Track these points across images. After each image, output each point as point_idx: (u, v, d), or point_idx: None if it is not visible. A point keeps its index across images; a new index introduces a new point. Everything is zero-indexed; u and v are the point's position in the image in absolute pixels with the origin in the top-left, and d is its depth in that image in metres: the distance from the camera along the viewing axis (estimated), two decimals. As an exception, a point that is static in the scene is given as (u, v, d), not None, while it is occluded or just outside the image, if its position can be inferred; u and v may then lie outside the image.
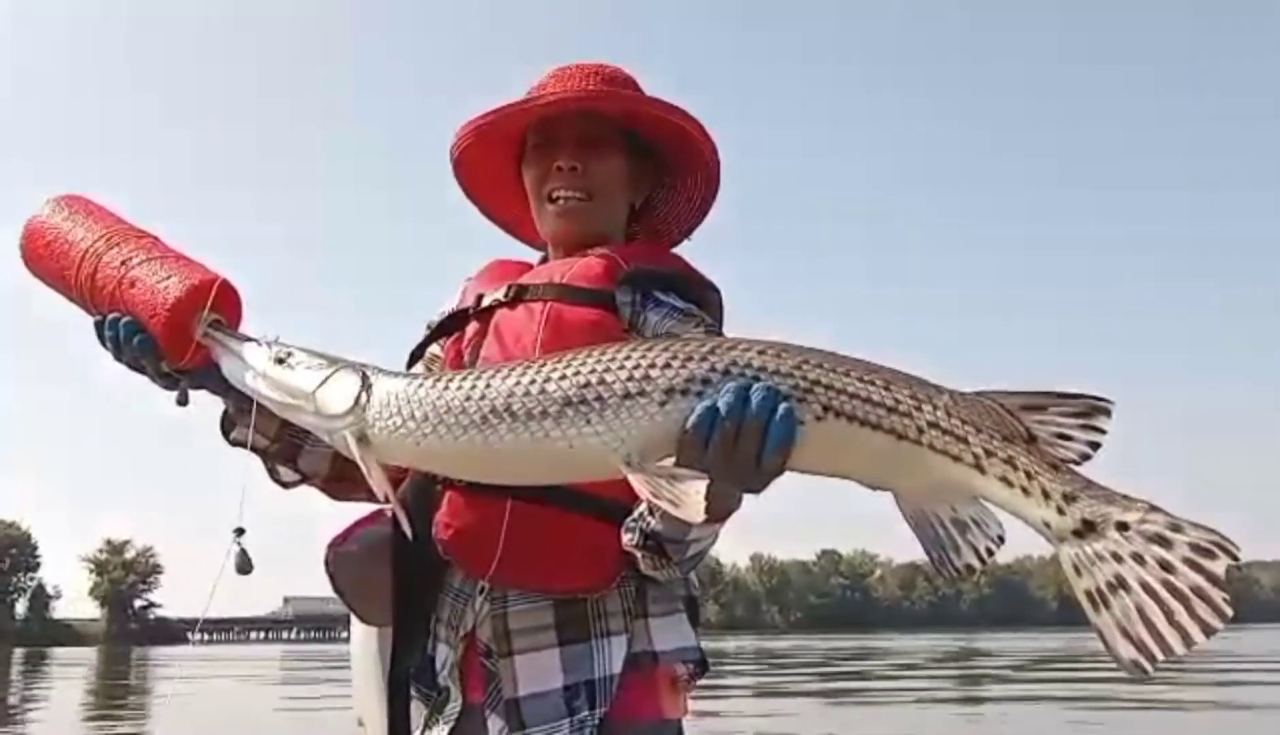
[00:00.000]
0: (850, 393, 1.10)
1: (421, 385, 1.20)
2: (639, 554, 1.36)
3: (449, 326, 1.57)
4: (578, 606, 1.40)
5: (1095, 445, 1.09)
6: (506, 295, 1.50)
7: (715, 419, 1.08)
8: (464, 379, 1.18)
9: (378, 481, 1.20)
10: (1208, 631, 1.00)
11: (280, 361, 1.27)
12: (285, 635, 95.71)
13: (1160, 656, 1.01)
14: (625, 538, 1.36)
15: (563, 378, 1.14)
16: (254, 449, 1.43)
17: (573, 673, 1.38)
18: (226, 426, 1.48)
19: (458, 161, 1.62)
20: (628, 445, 1.12)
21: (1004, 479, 1.08)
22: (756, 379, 1.10)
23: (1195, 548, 1.01)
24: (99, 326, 1.35)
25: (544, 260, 1.63)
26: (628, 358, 1.13)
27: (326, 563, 1.44)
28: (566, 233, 1.57)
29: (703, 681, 1.52)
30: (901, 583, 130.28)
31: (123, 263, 1.33)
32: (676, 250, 1.65)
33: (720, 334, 1.48)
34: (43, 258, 1.39)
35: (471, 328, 1.52)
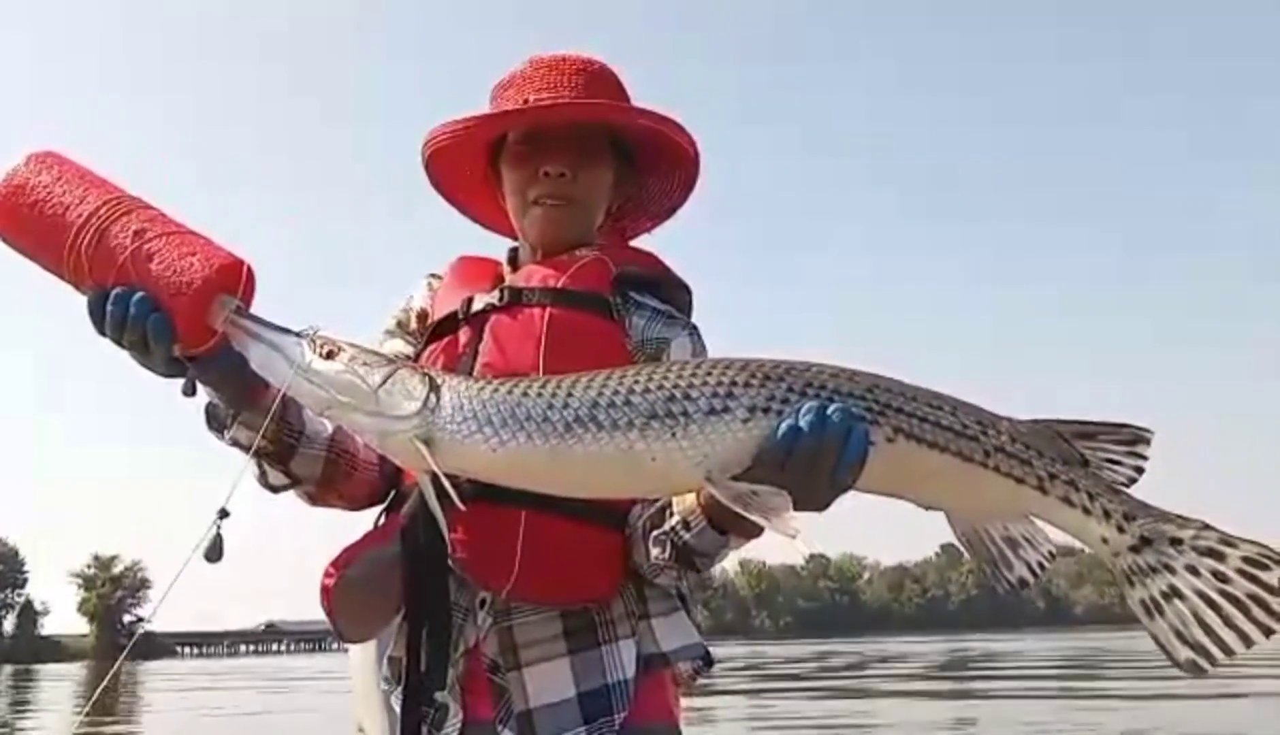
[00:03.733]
0: (919, 417, 1.17)
1: (496, 390, 1.19)
2: (664, 567, 1.37)
3: (435, 330, 1.52)
4: (585, 614, 1.40)
5: (1140, 470, 1.19)
6: (501, 299, 1.47)
7: (798, 436, 1.13)
8: (542, 386, 1.18)
9: (439, 488, 1.19)
10: (1267, 632, 1.10)
11: (330, 356, 1.21)
12: (275, 647, 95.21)
13: (1220, 656, 1.10)
14: (654, 552, 1.35)
15: (647, 391, 1.16)
16: (251, 450, 1.34)
17: (586, 680, 1.38)
18: (214, 425, 1.38)
19: (429, 155, 1.60)
20: (710, 460, 1.15)
21: (1066, 499, 1.16)
22: (831, 400, 1.16)
23: (1248, 560, 1.11)
24: (99, 300, 1.23)
25: (514, 254, 1.63)
26: (709, 374, 1.18)
27: (326, 588, 1.33)
28: (549, 236, 1.55)
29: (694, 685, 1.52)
30: (890, 585, 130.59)
31: (136, 233, 1.23)
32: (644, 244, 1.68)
33: (698, 330, 1.52)
34: (26, 219, 1.26)
35: (465, 332, 1.47)
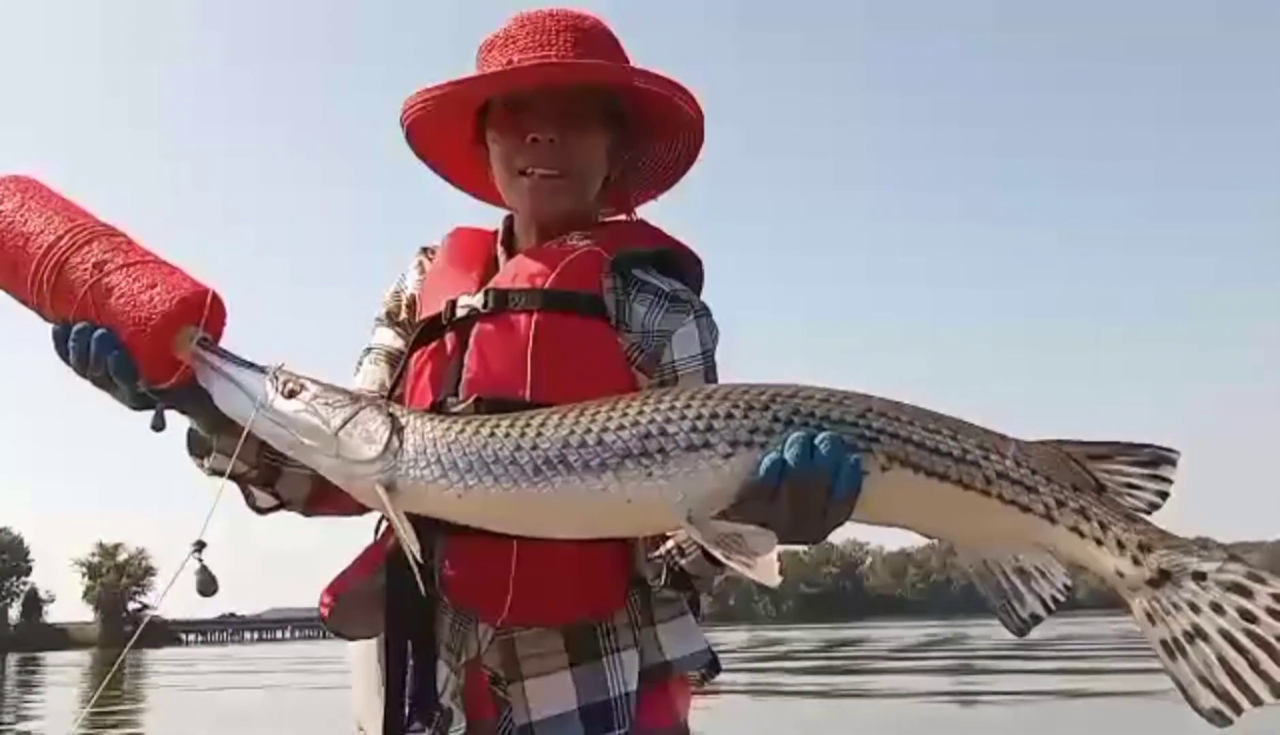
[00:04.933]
0: (916, 442, 1.09)
1: (462, 431, 1.12)
2: (661, 589, 1.35)
3: (421, 335, 1.42)
4: (587, 627, 1.36)
5: (1163, 495, 1.10)
6: (485, 305, 1.36)
7: (783, 471, 1.06)
8: (510, 426, 1.12)
9: (405, 535, 1.12)
10: None
11: (292, 395, 1.17)
12: (279, 635, 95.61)
13: (1246, 705, 1.01)
14: (650, 574, 1.34)
15: (621, 428, 1.09)
16: (233, 476, 1.29)
17: (588, 694, 1.34)
18: (197, 450, 1.34)
19: (410, 124, 1.49)
20: (690, 499, 1.08)
21: (1075, 529, 1.07)
22: (820, 429, 1.08)
23: (1279, 598, 1.01)
24: (61, 335, 1.19)
25: (509, 224, 1.52)
26: (688, 407, 1.10)
27: (323, 616, 1.32)
28: (540, 210, 1.44)
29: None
30: (893, 571, 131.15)
31: (96, 265, 1.18)
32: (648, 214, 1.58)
33: (706, 311, 1.43)
34: None
35: (450, 340, 1.38)
